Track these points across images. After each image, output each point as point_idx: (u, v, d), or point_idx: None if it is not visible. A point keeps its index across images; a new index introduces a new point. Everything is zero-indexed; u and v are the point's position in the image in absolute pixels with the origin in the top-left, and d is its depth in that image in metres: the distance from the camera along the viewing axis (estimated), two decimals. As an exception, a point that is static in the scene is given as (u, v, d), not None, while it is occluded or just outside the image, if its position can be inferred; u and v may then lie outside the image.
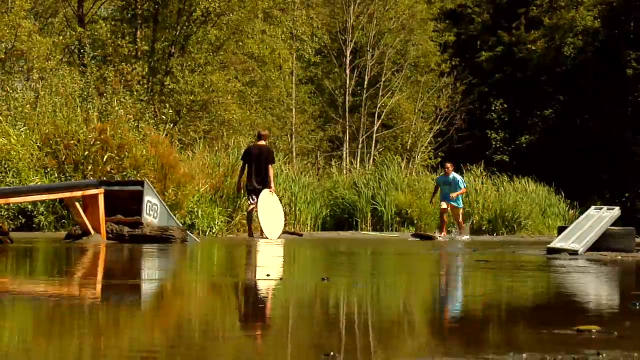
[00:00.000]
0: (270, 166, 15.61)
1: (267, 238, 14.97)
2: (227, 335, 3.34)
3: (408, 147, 35.48)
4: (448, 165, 19.50)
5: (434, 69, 36.82)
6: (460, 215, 19.66)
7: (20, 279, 5.71)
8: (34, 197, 11.43)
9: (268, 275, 6.08)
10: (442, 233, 18.97)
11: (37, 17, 26.69)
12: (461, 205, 19.72)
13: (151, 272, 7.01)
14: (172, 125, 21.04)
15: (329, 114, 34.75)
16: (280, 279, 5.88)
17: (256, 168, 15.56)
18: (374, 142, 34.23)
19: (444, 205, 19.22)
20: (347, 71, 33.78)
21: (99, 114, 17.00)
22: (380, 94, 34.37)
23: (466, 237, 18.44)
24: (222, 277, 6.22)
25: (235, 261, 9.18)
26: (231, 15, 25.95)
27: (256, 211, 15.54)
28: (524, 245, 14.71)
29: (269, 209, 15.46)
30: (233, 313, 4.14)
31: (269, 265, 8.01)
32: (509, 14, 42.34)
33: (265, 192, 15.42)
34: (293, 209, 21.45)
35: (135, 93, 20.18)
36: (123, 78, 20.94)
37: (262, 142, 15.86)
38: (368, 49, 33.97)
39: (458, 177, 19.49)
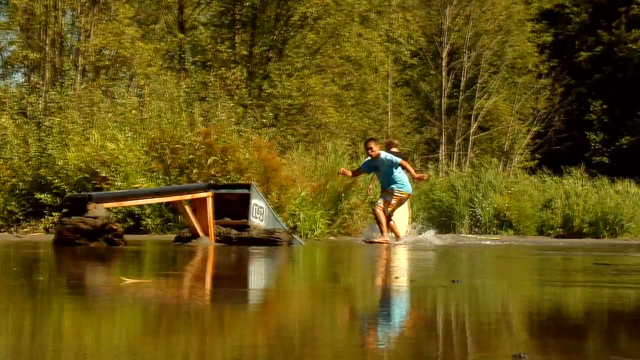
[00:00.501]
0: (402, 163, 14.84)
1: (399, 239, 14.89)
2: (404, 333, 3.30)
3: (505, 149, 35.03)
4: (370, 144, 14.31)
5: (532, 70, 36.28)
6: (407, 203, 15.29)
7: (140, 279, 5.79)
8: (146, 200, 11.70)
9: (397, 277, 6.04)
10: (384, 234, 13.94)
11: (140, 25, 27.27)
12: (409, 189, 14.49)
13: (268, 274, 7.05)
14: (272, 128, 21.21)
15: (425, 117, 34.60)
16: (412, 281, 5.83)
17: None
18: (470, 144, 33.91)
19: (380, 203, 14.27)
20: (444, 73, 33.55)
21: (202, 118, 17.22)
22: (476, 96, 34.03)
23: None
24: (352, 280, 6.21)
25: (353, 263, 9.13)
26: (328, 19, 26.04)
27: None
28: (631, 249, 14.33)
29: (401, 208, 15.52)
30: (395, 315, 4.10)
31: (390, 267, 7.94)
32: (609, 13, 41.42)
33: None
34: (392, 211, 21.35)
35: (236, 97, 20.40)
36: (223, 83, 21.20)
37: (393, 150, 16.18)
38: (464, 50, 33.69)
39: (388, 154, 14.37)
